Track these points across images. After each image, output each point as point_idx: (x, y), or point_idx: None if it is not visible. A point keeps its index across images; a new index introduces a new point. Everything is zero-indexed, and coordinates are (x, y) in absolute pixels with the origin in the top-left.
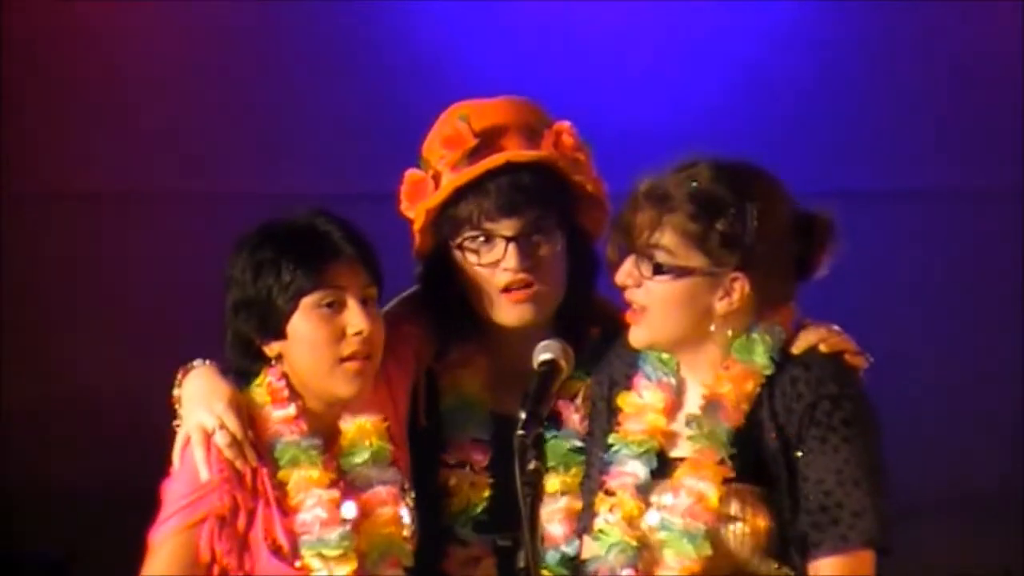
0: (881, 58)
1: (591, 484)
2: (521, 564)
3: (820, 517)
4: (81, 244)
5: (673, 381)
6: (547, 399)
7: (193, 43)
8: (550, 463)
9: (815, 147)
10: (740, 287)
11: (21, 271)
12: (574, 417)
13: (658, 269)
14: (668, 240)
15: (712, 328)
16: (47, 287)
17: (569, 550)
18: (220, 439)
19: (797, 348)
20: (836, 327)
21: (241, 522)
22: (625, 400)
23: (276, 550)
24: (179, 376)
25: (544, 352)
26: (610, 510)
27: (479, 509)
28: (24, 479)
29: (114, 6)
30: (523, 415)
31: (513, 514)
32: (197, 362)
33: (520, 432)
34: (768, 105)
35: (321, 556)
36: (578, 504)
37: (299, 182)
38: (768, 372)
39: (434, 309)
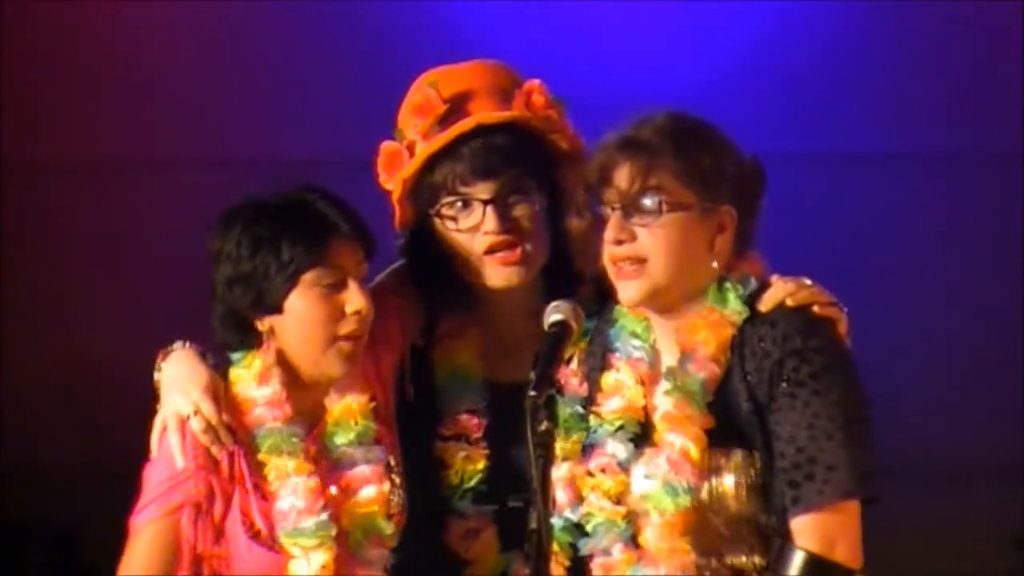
0: (885, 21)
1: None
2: (533, 525)
3: (795, 474)
4: (78, 216)
5: (646, 353)
6: (558, 360)
7: (190, 13)
8: None
9: (813, 108)
10: (732, 221)
11: (20, 244)
12: (573, 381)
13: (659, 212)
14: (661, 182)
15: (714, 265)
16: (47, 259)
17: (574, 516)
18: (195, 425)
19: (765, 306)
20: (806, 280)
21: (218, 508)
22: (603, 379)
23: (255, 535)
24: (158, 360)
25: (555, 313)
26: (593, 490)
27: (476, 480)
28: (29, 452)
29: None
30: (533, 376)
31: (515, 481)
32: (176, 345)
33: (532, 393)
34: (770, 69)
35: (298, 544)
36: (581, 469)
37: (299, 147)
38: (743, 316)
39: (420, 281)
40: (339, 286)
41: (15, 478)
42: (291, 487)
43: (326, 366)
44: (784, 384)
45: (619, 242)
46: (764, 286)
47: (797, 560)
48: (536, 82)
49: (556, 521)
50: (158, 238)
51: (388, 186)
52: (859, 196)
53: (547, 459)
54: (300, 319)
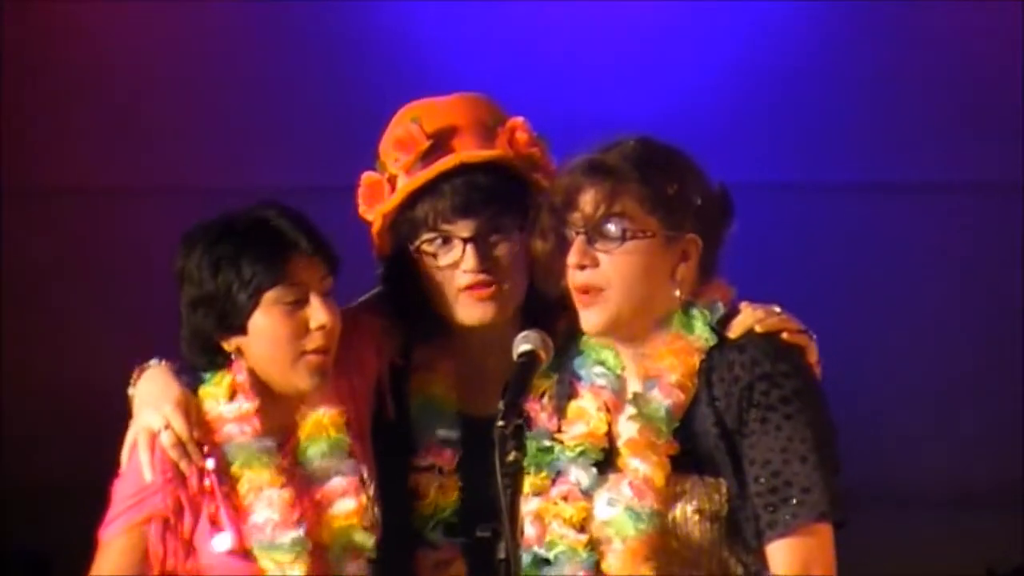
0: (868, 50)
1: None
2: (501, 555)
3: (770, 498)
4: (74, 239)
5: (609, 381)
6: (526, 390)
7: (184, 41)
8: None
9: (800, 139)
10: (696, 249)
11: (12, 266)
12: (542, 416)
13: (622, 239)
14: (625, 208)
15: (676, 293)
16: (33, 283)
17: (541, 551)
18: (165, 439)
19: (734, 332)
20: (776, 307)
21: (187, 522)
22: (568, 407)
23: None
24: (134, 376)
25: (523, 343)
26: (555, 518)
27: (448, 512)
28: (11, 476)
29: (106, 6)
30: (502, 406)
31: (484, 513)
32: (152, 362)
33: (500, 423)
34: (753, 98)
35: (274, 559)
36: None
37: (284, 174)
38: (710, 343)
39: (397, 310)
40: (302, 302)
41: None
42: (265, 500)
43: (296, 380)
44: (755, 409)
45: (581, 267)
46: (733, 312)
47: None
48: (519, 120)
49: (525, 556)
50: (144, 263)
51: (368, 217)
52: (836, 225)
53: (515, 489)
54: (265, 338)
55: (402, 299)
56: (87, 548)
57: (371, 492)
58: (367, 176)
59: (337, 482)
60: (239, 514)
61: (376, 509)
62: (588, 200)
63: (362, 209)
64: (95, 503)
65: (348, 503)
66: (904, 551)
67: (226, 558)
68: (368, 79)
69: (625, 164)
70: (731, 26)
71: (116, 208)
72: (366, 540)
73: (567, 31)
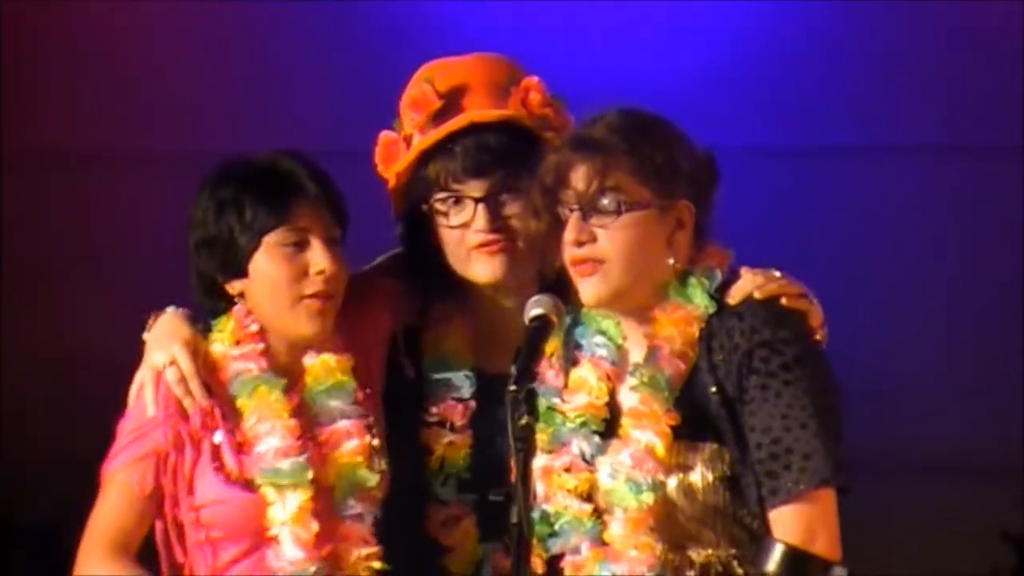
0: (874, 16)
1: None
2: (514, 519)
3: (772, 465)
4: (75, 207)
5: (609, 351)
6: (538, 354)
7: (178, 11)
8: None
9: (791, 102)
10: (690, 215)
11: (12, 232)
12: (549, 374)
13: (618, 212)
14: (617, 181)
15: (671, 262)
16: (31, 254)
17: (549, 508)
18: (170, 375)
19: (733, 299)
20: (776, 272)
21: (188, 457)
22: (570, 377)
23: (227, 478)
24: (150, 322)
25: (535, 307)
26: (559, 489)
27: (458, 468)
28: (16, 450)
29: None
30: (514, 370)
31: (498, 471)
32: (169, 309)
33: (512, 387)
34: (752, 64)
35: (275, 485)
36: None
37: (291, 140)
38: (710, 311)
39: (414, 269)
40: (303, 246)
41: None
42: (269, 428)
43: (296, 325)
44: (755, 376)
45: (579, 243)
46: (732, 278)
47: (776, 553)
48: (534, 79)
49: (535, 513)
50: (147, 232)
51: (385, 175)
52: (838, 189)
53: (527, 453)
54: (265, 280)
55: (418, 258)
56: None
57: (378, 444)
58: (384, 135)
59: (342, 424)
60: (242, 449)
61: (384, 460)
62: (580, 176)
63: (380, 168)
64: (93, 475)
65: (352, 443)
66: (914, 517)
67: (227, 490)
68: (376, 43)
69: (613, 137)
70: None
71: (117, 176)
72: (370, 478)
73: (574, 6)
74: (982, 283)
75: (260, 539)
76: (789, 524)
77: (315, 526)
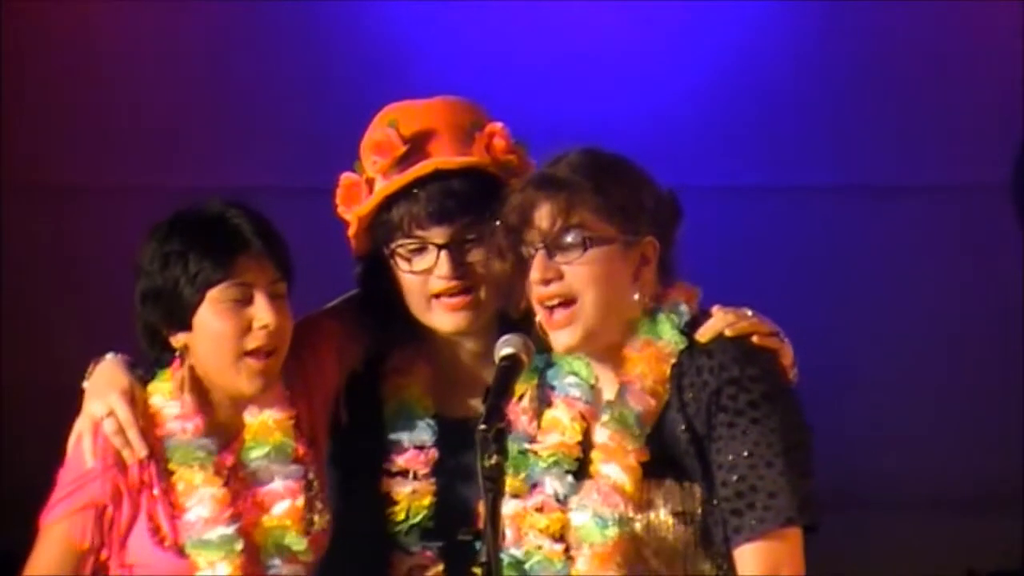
0: (843, 55)
1: None
2: (483, 559)
3: (737, 503)
4: (70, 236)
5: (583, 391)
6: (508, 393)
7: (175, 42)
8: None
9: (779, 144)
10: (654, 251)
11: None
12: (522, 419)
13: (583, 248)
14: (581, 218)
15: (636, 297)
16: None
17: (518, 553)
18: (108, 427)
19: (704, 337)
20: (747, 311)
21: (125, 511)
22: (543, 417)
23: (160, 541)
24: (90, 369)
25: (505, 347)
26: (531, 528)
27: (422, 517)
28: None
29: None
30: (484, 408)
31: (461, 518)
32: (109, 356)
33: (482, 426)
34: (730, 103)
35: (203, 556)
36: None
37: (258, 175)
38: (680, 346)
39: (372, 313)
40: (247, 302)
41: None
42: (198, 498)
43: (237, 383)
44: (723, 414)
45: (546, 282)
46: (702, 315)
47: None
48: (498, 125)
49: (503, 556)
50: (118, 262)
51: (345, 217)
52: (812, 227)
53: (496, 493)
54: (208, 334)
55: (377, 301)
56: None
57: (318, 495)
58: (345, 177)
59: (276, 484)
60: (175, 510)
61: (325, 514)
62: (544, 215)
63: (340, 209)
64: None
65: (284, 505)
66: (885, 553)
67: (159, 554)
68: (350, 82)
69: (576, 175)
70: (709, 32)
71: (87, 207)
72: (298, 542)
73: (547, 37)
74: (953, 320)
75: None
76: (753, 562)
77: None
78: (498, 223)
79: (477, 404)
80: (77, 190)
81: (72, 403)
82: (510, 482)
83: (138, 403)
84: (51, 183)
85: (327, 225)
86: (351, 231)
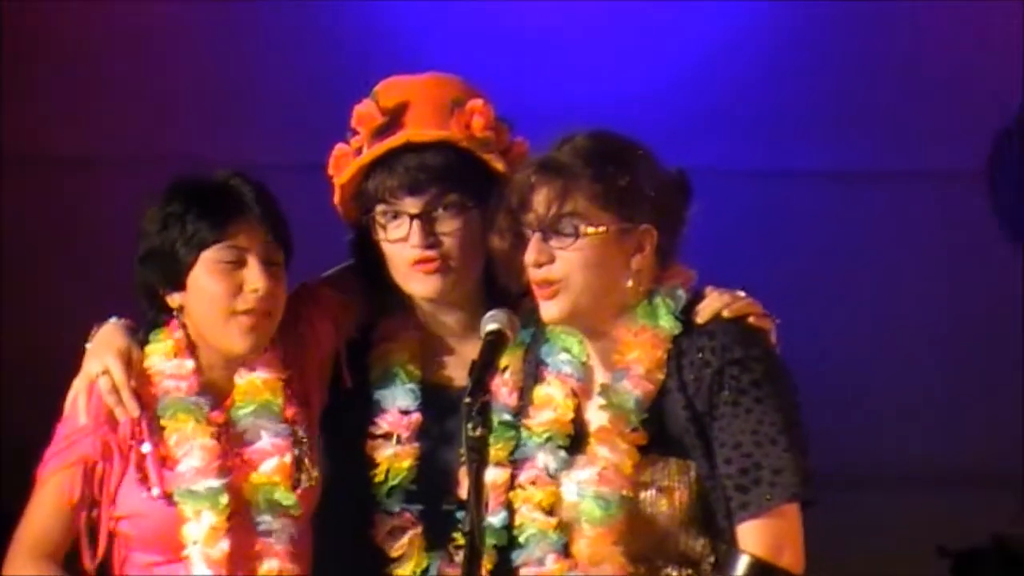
0: (835, 40)
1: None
2: (466, 528)
3: (742, 479)
4: (69, 207)
5: (575, 368)
6: (493, 367)
7: (164, 17)
8: None
9: (757, 126)
10: (651, 239)
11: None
12: (503, 390)
13: (575, 236)
14: (577, 206)
15: (629, 284)
16: (11, 252)
17: (495, 520)
18: (102, 385)
19: (701, 317)
20: (740, 292)
21: (116, 466)
22: (535, 393)
23: (148, 491)
24: (92, 332)
25: (491, 322)
26: (524, 502)
27: (402, 479)
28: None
29: None
30: (469, 383)
31: (444, 481)
32: (111, 320)
33: (467, 400)
34: (722, 87)
35: (189, 505)
36: (506, 476)
37: (281, 149)
38: (676, 332)
39: (363, 279)
40: (240, 264)
41: None
42: (189, 448)
43: (228, 341)
44: (726, 392)
45: (538, 264)
46: (697, 297)
47: (743, 564)
48: (479, 102)
49: (488, 523)
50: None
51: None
52: (803, 211)
53: (480, 463)
54: (202, 294)
55: (367, 268)
56: None
57: (306, 454)
58: (338, 147)
59: (264, 442)
60: (166, 463)
61: (314, 472)
62: (541, 200)
63: (333, 179)
64: None
65: (272, 462)
66: (861, 531)
67: (149, 503)
68: (341, 61)
69: (576, 161)
70: (700, 21)
71: (88, 177)
72: (287, 498)
73: (541, 21)
74: (940, 302)
75: (176, 553)
76: (758, 537)
77: (225, 546)
78: (499, 203)
79: (461, 374)
80: (77, 162)
81: (69, 367)
82: (493, 451)
83: (134, 364)
84: (50, 154)
85: (324, 200)
86: (336, 198)
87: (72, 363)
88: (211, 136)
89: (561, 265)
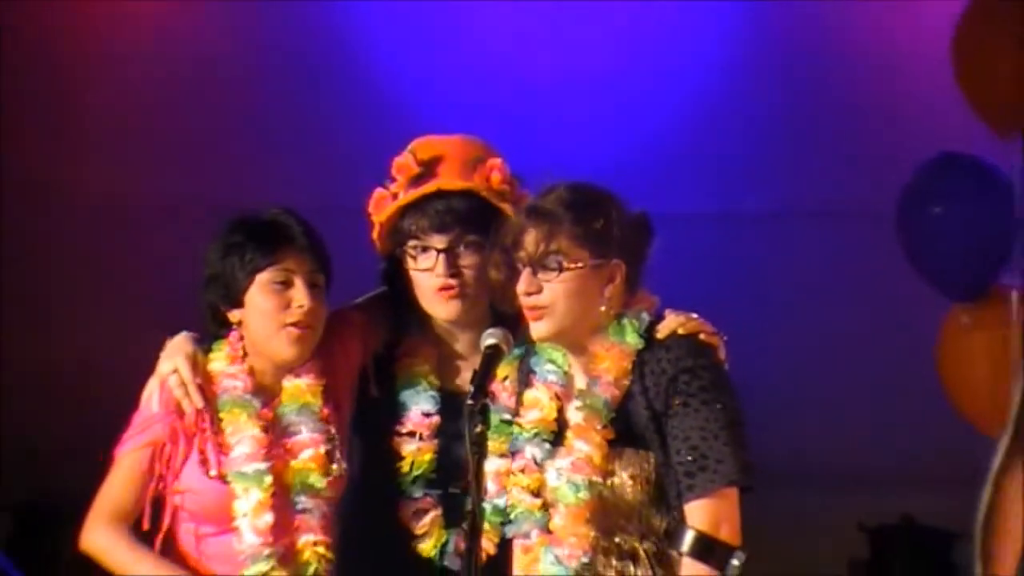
0: (764, 87)
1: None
2: (468, 508)
3: (690, 467)
4: (76, 247)
5: (559, 376)
6: (492, 375)
7: (189, 57)
8: None
9: (702, 172)
10: (620, 272)
11: (20, 251)
12: (503, 395)
13: (559, 271)
14: (561, 245)
15: (603, 309)
16: (45, 279)
17: (499, 502)
18: (172, 381)
19: (661, 333)
20: (694, 314)
21: (181, 449)
22: (525, 396)
23: (207, 472)
24: (166, 342)
25: (489, 338)
26: (515, 486)
27: (424, 469)
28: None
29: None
30: (472, 387)
31: (457, 471)
32: (182, 333)
33: (469, 402)
34: (685, 140)
35: (240, 484)
36: (508, 465)
37: (295, 193)
38: (639, 347)
39: (391, 304)
40: (288, 285)
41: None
42: (241, 438)
43: (278, 349)
44: (678, 396)
45: (529, 293)
46: (659, 318)
47: (689, 538)
48: (498, 160)
49: (487, 505)
50: (152, 264)
51: (373, 223)
52: (745, 252)
53: (481, 455)
54: (256, 310)
55: (396, 294)
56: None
57: (336, 449)
58: (377, 191)
59: (304, 435)
60: (222, 449)
61: (343, 464)
62: (531, 240)
63: (372, 217)
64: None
65: (309, 452)
66: (794, 516)
67: (207, 482)
68: (360, 116)
69: (559, 208)
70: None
71: (123, 220)
72: (319, 481)
73: (534, 76)
74: (862, 327)
75: (228, 524)
76: (701, 514)
77: (270, 518)
78: (496, 242)
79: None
80: (78, 194)
81: (75, 383)
82: (492, 445)
83: (199, 365)
84: (49, 181)
85: (348, 242)
86: (375, 234)
87: (71, 376)
88: (221, 177)
89: (548, 294)
